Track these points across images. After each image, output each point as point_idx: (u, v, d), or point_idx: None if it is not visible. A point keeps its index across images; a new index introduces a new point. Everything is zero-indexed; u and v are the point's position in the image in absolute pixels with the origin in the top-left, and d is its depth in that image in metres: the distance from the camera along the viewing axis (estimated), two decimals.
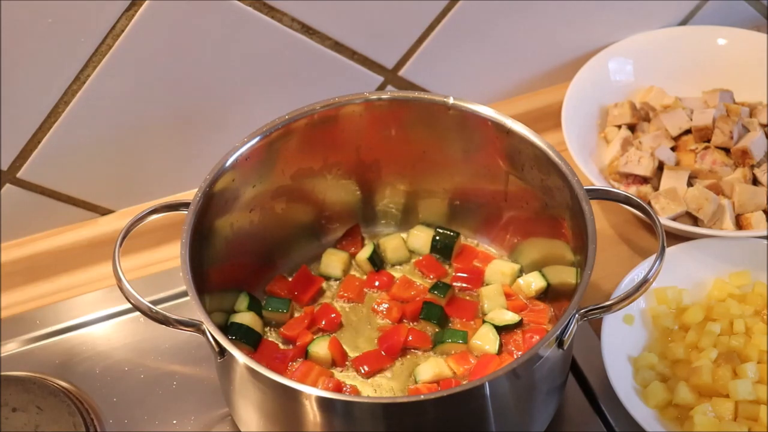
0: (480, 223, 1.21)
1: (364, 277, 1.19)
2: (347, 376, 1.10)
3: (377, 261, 1.19)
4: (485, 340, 1.10)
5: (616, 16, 1.41)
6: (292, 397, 0.93)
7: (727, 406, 1.06)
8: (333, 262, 1.19)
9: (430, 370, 1.08)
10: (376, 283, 1.18)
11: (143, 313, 0.97)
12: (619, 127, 1.36)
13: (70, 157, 1.25)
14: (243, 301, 1.13)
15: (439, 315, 1.13)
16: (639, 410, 1.06)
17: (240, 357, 0.92)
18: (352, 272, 1.20)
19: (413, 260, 1.21)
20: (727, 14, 1.47)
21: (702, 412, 1.05)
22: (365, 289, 1.18)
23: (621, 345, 1.12)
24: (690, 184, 1.28)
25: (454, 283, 1.17)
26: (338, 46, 1.28)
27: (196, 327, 0.96)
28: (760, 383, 1.07)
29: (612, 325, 1.12)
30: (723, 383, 1.07)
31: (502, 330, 1.11)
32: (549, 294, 1.14)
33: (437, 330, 1.13)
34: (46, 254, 1.29)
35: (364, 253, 1.19)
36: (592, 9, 1.39)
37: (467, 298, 1.17)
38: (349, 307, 1.17)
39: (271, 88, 1.29)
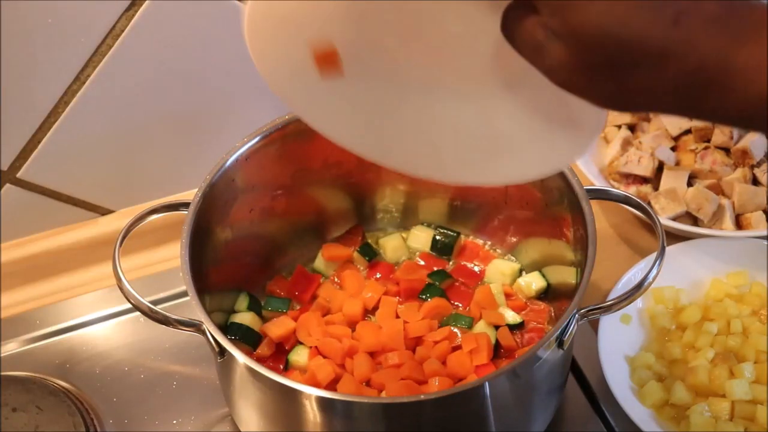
0: (480, 223, 1.21)
1: (364, 272, 1.19)
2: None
3: (369, 252, 1.19)
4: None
5: None
6: (292, 397, 0.93)
7: (724, 405, 1.06)
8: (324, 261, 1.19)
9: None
10: (378, 275, 1.18)
11: (143, 313, 0.97)
12: (619, 126, 1.36)
13: (70, 157, 1.26)
14: (243, 301, 1.13)
15: (440, 294, 1.13)
16: (636, 410, 1.06)
17: (240, 357, 0.92)
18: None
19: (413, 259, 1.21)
20: None
21: (698, 411, 1.05)
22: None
23: (618, 344, 1.12)
24: (690, 184, 1.28)
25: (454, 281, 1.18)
26: None
27: (196, 327, 0.96)
28: (757, 383, 1.08)
29: (609, 324, 1.13)
30: (720, 383, 1.07)
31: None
32: (549, 294, 1.14)
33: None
34: (46, 254, 1.29)
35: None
36: None
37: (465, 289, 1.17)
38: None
39: None
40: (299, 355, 1.08)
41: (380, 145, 0.83)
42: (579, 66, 0.63)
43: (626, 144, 1.33)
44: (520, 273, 1.18)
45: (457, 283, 1.17)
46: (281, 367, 1.09)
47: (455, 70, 0.78)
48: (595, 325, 1.13)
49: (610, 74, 0.62)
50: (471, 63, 0.77)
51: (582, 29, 0.61)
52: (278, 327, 1.10)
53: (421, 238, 1.21)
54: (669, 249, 1.17)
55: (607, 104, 0.66)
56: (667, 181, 1.28)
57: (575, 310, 0.95)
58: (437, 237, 1.21)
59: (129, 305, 0.98)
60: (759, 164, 1.29)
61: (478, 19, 0.72)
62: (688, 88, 0.62)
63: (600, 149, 1.36)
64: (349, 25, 0.77)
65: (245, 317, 1.11)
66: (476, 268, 1.19)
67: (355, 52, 0.78)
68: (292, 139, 1.11)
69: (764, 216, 1.25)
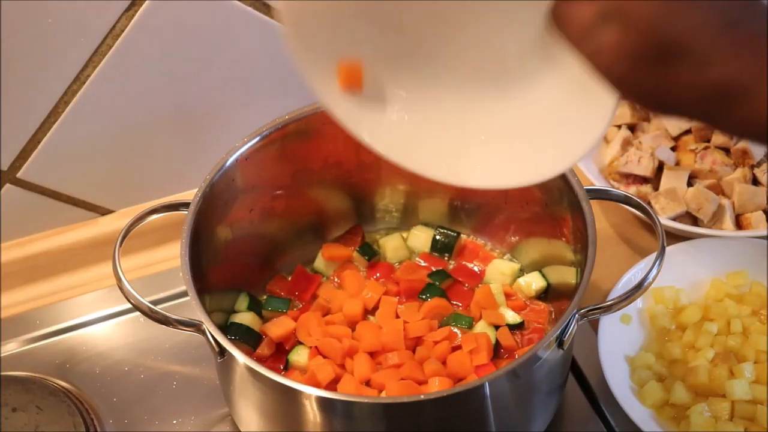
0: (480, 223, 1.21)
1: (364, 272, 1.19)
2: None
3: (369, 251, 1.19)
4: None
5: None
6: (292, 397, 0.93)
7: (724, 405, 1.06)
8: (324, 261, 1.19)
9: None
10: (377, 275, 1.18)
11: (143, 313, 0.97)
12: (619, 126, 1.36)
13: (70, 157, 1.26)
14: (243, 301, 1.13)
15: (440, 294, 1.13)
16: (636, 410, 1.06)
17: (240, 357, 0.92)
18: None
19: (413, 260, 1.21)
20: None
21: (698, 411, 1.05)
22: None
23: (618, 344, 1.12)
24: (690, 184, 1.28)
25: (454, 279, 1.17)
26: None
27: (196, 327, 0.96)
28: (757, 383, 1.08)
29: (609, 324, 1.13)
30: (720, 383, 1.07)
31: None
32: (549, 294, 1.14)
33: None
34: (46, 254, 1.29)
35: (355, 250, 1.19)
36: None
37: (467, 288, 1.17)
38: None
39: (271, 88, 1.29)
40: (299, 355, 1.08)
41: (401, 146, 0.85)
42: (625, 51, 0.65)
43: (626, 144, 1.33)
44: (520, 273, 1.18)
45: (457, 283, 1.17)
46: (281, 367, 1.09)
47: (466, 76, 0.79)
48: (595, 325, 1.13)
49: (653, 65, 0.65)
50: (485, 69, 0.78)
51: (638, 14, 0.63)
52: (278, 327, 1.10)
53: (421, 238, 1.21)
54: (669, 249, 1.17)
55: (638, 98, 0.68)
56: (667, 181, 1.28)
57: (575, 310, 0.95)
58: (437, 237, 1.20)
59: (129, 305, 0.99)
60: (759, 164, 1.29)
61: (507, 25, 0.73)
62: (720, 95, 0.64)
63: (600, 149, 1.36)
64: (380, 25, 0.79)
65: (245, 317, 1.11)
66: (476, 268, 1.19)
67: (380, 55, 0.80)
68: (292, 139, 1.11)
69: (764, 216, 1.25)
